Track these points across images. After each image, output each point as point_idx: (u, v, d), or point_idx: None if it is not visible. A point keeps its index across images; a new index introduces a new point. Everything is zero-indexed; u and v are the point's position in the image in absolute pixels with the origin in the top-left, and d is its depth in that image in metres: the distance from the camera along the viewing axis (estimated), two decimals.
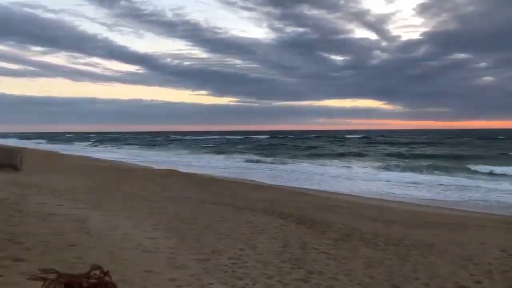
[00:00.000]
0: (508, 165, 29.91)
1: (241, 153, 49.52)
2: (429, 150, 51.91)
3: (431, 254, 7.00)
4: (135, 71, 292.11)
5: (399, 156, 43.50)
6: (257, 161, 38.31)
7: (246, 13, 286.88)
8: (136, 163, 33.88)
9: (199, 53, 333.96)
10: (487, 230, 10.07)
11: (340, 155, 45.57)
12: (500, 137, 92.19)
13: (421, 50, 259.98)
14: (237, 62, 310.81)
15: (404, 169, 30.09)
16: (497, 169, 27.55)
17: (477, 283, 5.62)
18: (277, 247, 6.95)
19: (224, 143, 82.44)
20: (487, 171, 27.32)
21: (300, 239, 7.64)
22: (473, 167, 29.18)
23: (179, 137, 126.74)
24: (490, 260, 6.81)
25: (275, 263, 6.01)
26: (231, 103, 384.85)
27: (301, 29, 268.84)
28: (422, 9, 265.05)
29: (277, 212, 10.64)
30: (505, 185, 20.97)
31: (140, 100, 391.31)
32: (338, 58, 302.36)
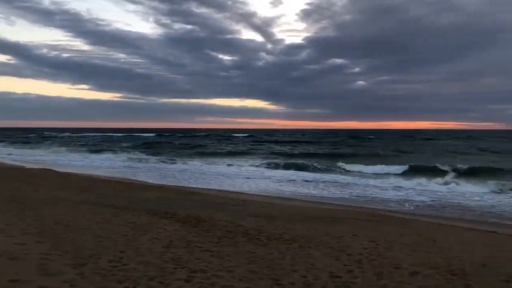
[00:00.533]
0: (380, 163, 32.91)
1: (125, 151, 47.64)
2: (311, 149, 54.99)
3: (309, 247, 7.38)
4: (6, 61, 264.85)
5: (284, 154, 45.43)
6: (142, 160, 37.18)
7: (131, 6, 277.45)
8: (5, 162, 30.82)
9: (80, 45, 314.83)
10: (360, 223, 10.92)
11: (228, 154, 46.22)
12: (370, 136, 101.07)
13: (303, 54, 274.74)
14: (122, 56, 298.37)
15: (288, 167, 31.45)
16: (371, 168, 30.14)
17: (349, 272, 6.04)
18: (160, 248, 6.77)
19: (106, 140, 78.69)
20: (362, 169, 29.76)
21: (184, 238, 7.55)
22: (349, 166, 31.50)
23: (55, 134, 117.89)
24: (360, 251, 7.37)
25: (157, 264, 5.85)
26: (115, 99, 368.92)
27: (188, 26, 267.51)
28: (304, 15, 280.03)
29: (161, 212, 10.41)
30: (377, 181, 23.00)
31: (11, 93, 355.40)
32: (226, 57, 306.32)
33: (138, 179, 22.53)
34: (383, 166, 30.66)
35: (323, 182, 22.85)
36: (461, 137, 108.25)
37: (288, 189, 20.35)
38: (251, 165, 32.32)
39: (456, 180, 22.82)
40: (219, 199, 14.93)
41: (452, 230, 10.61)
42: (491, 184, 20.58)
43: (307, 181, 23.18)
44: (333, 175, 26.28)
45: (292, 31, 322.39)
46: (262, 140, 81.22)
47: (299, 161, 36.18)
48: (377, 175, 26.73)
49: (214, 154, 45.40)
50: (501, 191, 19.46)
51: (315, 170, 30.06)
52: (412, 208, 15.90)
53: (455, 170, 27.83)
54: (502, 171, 28.07)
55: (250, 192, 18.99)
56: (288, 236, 8.24)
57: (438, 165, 30.03)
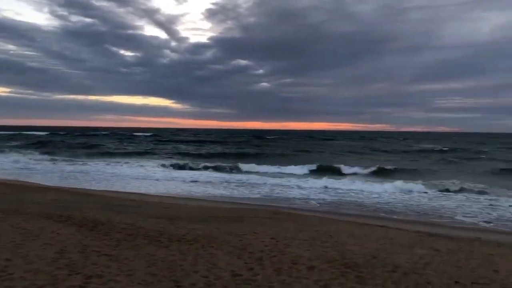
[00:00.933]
0: (286, 163, 33.91)
1: (16, 150, 43.90)
2: (218, 148, 55.13)
3: (211, 247, 7.37)
4: None
5: (189, 154, 45.01)
6: (35, 160, 34.58)
7: None
8: None
9: None
10: (262, 220, 11.17)
11: (130, 154, 44.63)
12: (274, 136, 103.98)
13: (208, 54, 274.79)
14: (11, 47, 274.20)
15: (193, 167, 31.22)
16: (276, 168, 30.89)
17: (250, 270, 6.14)
18: (52, 254, 6.33)
19: None
20: (268, 170, 30.35)
21: (80, 243, 7.13)
22: (255, 166, 32.00)
23: None
24: (261, 248, 7.53)
25: (48, 271, 5.46)
26: (3, 94, 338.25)
27: (88, 20, 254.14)
28: (210, 15, 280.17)
29: (55, 216, 9.74)
30: (283, 181, 23.71)
31: None
32: (128, 53, 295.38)
33: (30, 181, 20.90)
34: (292, 166, 31.57)
35: (227, 182, 23.07)
36: (355, 137, 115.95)
37: (192, 190, 20.21)
38: (154, 166, 31.57)
39: (356, 179, 24.35)
40: (119, 201, 14.37)
41: (347, 225, 11.27)
42: (388, 183, 22.21)
43: (211, 182, 23.21)
44: (239, 175, 26.64)
45: (198, 30, 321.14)
46: (166, 139, 79.75)
47: (205, 161, 36.13)
48: (283, 175, 27.61)
49: (115, 154, 43.58)
50: (399, 189, 21.00)
51: (221, 170, 30.22)
52: (313, 205, 16.67)
53: (354, 169, 29.77)
54: (398, 170, 30.61)
55: (153, 193, 18.55)
56: (190, 236, 8.16)
57: (337, 165, 31.79)
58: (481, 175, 29.52)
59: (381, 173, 29.02)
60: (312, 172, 29.48)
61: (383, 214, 15.24)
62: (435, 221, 14.22)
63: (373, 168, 30.43)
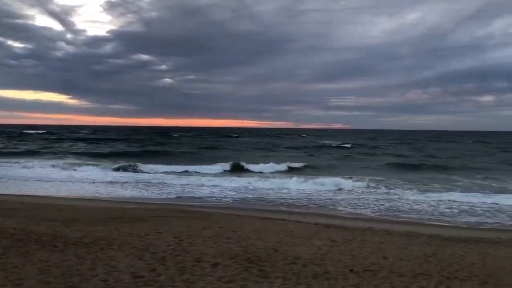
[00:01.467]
0: (196, 161, 33.42)
1: None
2: (120, 147, 52.90)
3: (110, 249, 7.07)
4: None
5: (88, 153, 42.63)
6: None
7: None
8: None
9: None
10: (165, 219, 10.96)
11: (20, 153, 41.19)
12: (176, 134, 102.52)
13: (108, 47, 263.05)
14: None
15: (96, 167, 29.60)
16: (185, 168, 30.10)
17: (152, 270, 5.99)
18: None
19: None
20: (175, 169, 29.37)
21: None
22: (164, 166, 30.77)
23: None
24: (165, 248, 7.39)
25: None
26: None
27: None
28: (109, 7, 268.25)
29: None
30: (193, 179, 23.37)
31: None
32: (17, 44, 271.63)
33: None
34: (203, 166, 30.66)
35: (131, 182, 22.27)
36: (259, 134, 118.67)
37: (91, 190, 19.25)
38: (48, 165, 29.45)
39: (265, 176, 24.92)
40: (8, 204, 13.21)
41: (251, 221, 11.48)
42: (295, 178, 22.87)
43: (112, 182, 22.27)
44: (144, 175, 25.81)
45: (96, 22, 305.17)
46: (62, 137, 74.91)
47: (105, 160, 34.57)
48: (191, 173, 27.19)
49: (3, 154, 39.91)
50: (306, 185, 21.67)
51: (125, 169, 28.95)
52: (220, 202, 16.76)
53: (260, 167, 30.34)
54: (307, 167, 31.84)
55: (47, 195, 17.34)
56: (88, 239, 7.75)
57: (244, 162, 32.17)
58: (379, 169, 31.90)
59: (290, 170, 30.01)
60: (223, 171, 29.31)
61: (283, 208, 15.82)
62: (333, 213, 15.06)
63: (283, 165, 31.17)
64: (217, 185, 21.28)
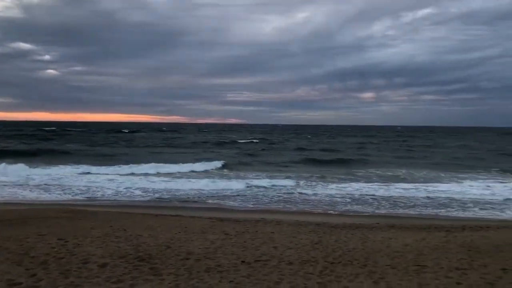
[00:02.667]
0: (94, 160, 31.36)
1: None
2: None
3: None
4: None
5: None
6: None
7: None
8: None
9: None
10: (50, 221, 10.20)
11: None
12: (52, 128, 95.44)
13: None
14: None
15: None
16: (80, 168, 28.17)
17: (32, 276, 5.56)
18: None
19: None
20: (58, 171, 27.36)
21: None
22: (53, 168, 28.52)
23: None
24: (47, 251, 6.91)
25: None
26: None
27: None
28: None
29: None
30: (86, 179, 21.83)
31: None
32: None
33: None
34: (103, 167, 28.39)
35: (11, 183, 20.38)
36: (154, 129, 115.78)
37: None
38: None
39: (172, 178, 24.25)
40: None
41: (143, 218, 11.17)
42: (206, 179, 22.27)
43: None
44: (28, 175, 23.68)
45: None
46: None
47: None
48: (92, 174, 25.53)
49: None
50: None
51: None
52: (115, 201, 16.07)
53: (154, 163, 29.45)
54: (228, 165, 31.50)
55: None
56: None
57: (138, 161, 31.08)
58: (290, 162, 32.92)
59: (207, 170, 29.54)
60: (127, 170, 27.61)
61: (177, 203, 15.71)
62: (227, 207, 15.27)
63: (199, 164, 30.33)
64: (117, 182, 20.44)
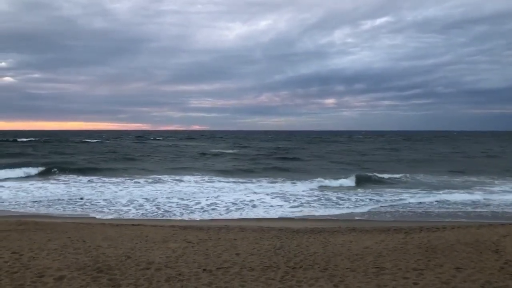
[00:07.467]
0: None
1: None
2: None
3: None
4: None
5: None
6: None
7: None
8: None
9: None
10: (1, 234, 9.80)
11: None
12: (25, 139, 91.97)
13: None
14: None
15: None
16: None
17: None
18: None
19: None
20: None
21: None
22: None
23: None
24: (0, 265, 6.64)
25: None
26: None
27: None
28: None
29: None
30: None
31: None
32: None
33: None
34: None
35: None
36: (117, 136, 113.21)
37: None
38: None
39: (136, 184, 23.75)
40: None
41: (103, 228, 10.90)
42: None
43: None
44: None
45: None
46: None
47: None
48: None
49: None
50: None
51: None
52: (73, 213, 15.58)
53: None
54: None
55: None
56: None
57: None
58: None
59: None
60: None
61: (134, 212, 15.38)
62: (190, 216, 15.10)
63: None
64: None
